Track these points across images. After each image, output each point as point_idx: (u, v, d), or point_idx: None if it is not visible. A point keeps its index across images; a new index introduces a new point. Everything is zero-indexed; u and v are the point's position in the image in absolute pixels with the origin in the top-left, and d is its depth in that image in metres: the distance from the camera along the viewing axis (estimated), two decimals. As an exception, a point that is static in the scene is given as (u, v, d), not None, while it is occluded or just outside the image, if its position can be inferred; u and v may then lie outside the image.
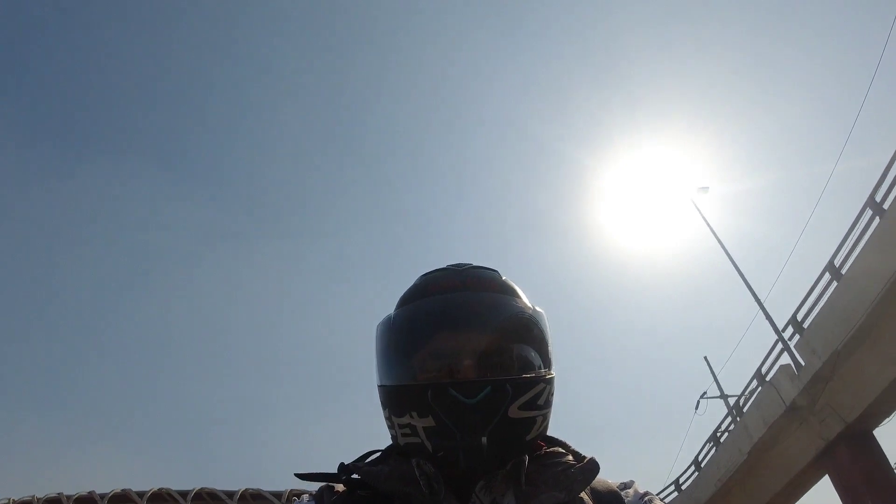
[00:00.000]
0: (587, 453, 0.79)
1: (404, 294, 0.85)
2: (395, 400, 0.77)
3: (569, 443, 0.82)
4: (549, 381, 0.79)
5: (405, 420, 0.74)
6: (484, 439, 0.69)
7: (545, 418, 0.78)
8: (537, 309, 0.84)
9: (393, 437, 0.80)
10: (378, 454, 0.82)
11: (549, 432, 0.82)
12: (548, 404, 0.78)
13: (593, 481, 0.74)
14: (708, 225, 14.93)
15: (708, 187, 16.14)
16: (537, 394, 0.75)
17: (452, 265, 0.87)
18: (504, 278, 0.86)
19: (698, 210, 15.42)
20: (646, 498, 0.73)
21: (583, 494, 0.73)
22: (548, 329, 0.84)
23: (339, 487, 0.78)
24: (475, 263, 0.88)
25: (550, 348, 0.83)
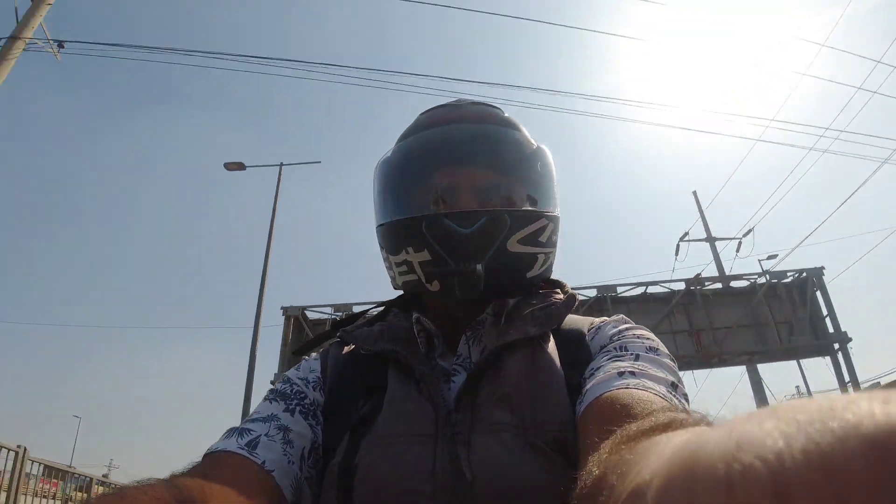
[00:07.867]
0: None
1: (404, 131, 0.81)
2: (390, 237, 0.75)
3: (567, 284, 0.80)
4: (553, 220, 0.75)
5: (401, 257, 0.72)
6: (479, 267, 0.66)
7: (547, 258, 0.76)
8: (542, 146, 0.80)
9: (392, 280, 0.78)
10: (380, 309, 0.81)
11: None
12: (551, 244, 0.75)
13: (570, 321, 0.72)
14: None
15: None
16: (539, 229, 0.73)
17: (452, 101, 0.83)
18: (507, 114, 0.81)
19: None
20: (620, 325, 0.68)
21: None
22: (553, 167, 0.80)
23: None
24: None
25: (556, 187, 0.79)
